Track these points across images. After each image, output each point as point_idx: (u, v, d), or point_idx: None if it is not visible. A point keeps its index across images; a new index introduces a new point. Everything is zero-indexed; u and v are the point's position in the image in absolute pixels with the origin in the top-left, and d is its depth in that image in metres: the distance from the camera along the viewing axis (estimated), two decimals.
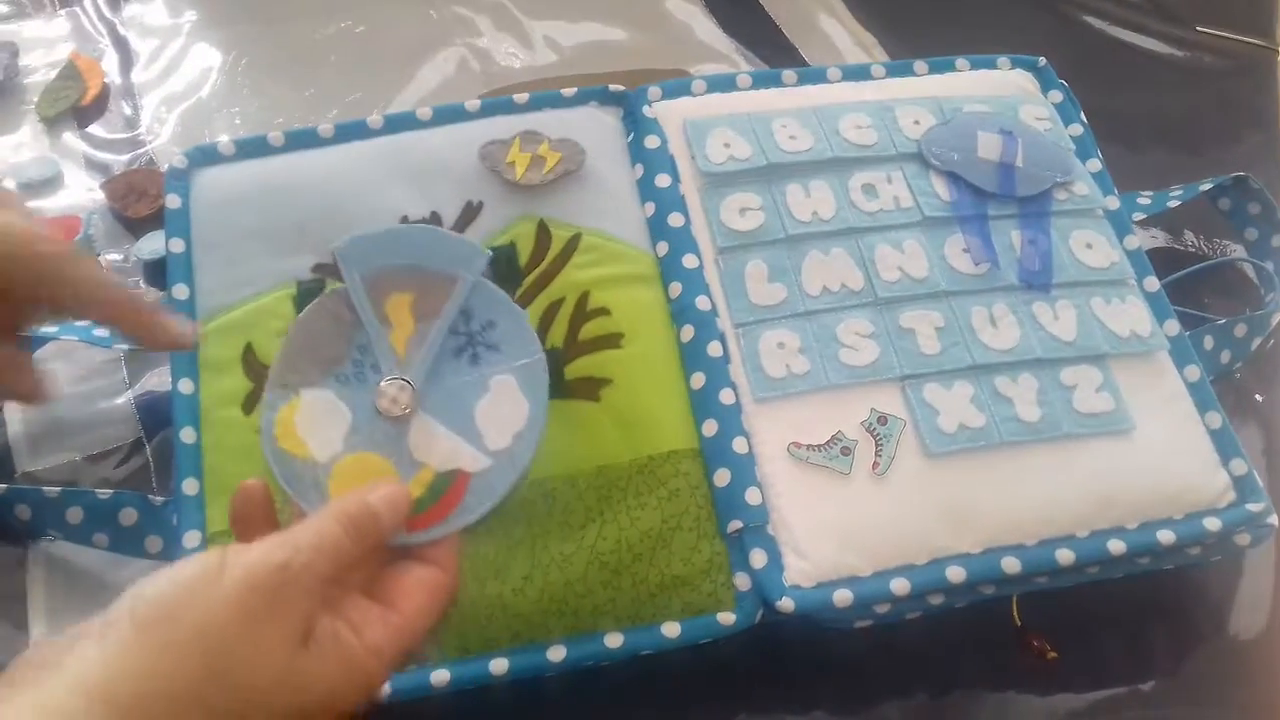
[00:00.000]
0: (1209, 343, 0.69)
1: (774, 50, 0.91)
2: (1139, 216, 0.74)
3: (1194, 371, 0.63)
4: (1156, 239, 0.80)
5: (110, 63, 0.85)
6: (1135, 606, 0.62)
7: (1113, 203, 0.68)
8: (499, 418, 0.47)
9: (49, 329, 0.64)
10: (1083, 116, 0.72)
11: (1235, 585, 0.65)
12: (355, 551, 0.42)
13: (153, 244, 0.71)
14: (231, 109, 0.83)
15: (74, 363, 0.67)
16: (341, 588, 0.42)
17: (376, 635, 0.41)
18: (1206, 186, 0.76)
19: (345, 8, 0.90)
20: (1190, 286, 0.76)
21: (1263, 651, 0.63)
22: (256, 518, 0.45)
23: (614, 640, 0.55)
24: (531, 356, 0.48)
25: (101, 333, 0.63)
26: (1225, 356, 0.70)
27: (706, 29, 0.92)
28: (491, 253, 0.50)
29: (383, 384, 0.47)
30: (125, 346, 0.63)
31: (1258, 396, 0.73)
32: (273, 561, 0.39)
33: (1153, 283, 0.66)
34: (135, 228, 0.75)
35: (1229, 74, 0.94)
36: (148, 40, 0.87)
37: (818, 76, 0.71)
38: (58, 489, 0.58)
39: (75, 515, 0.58)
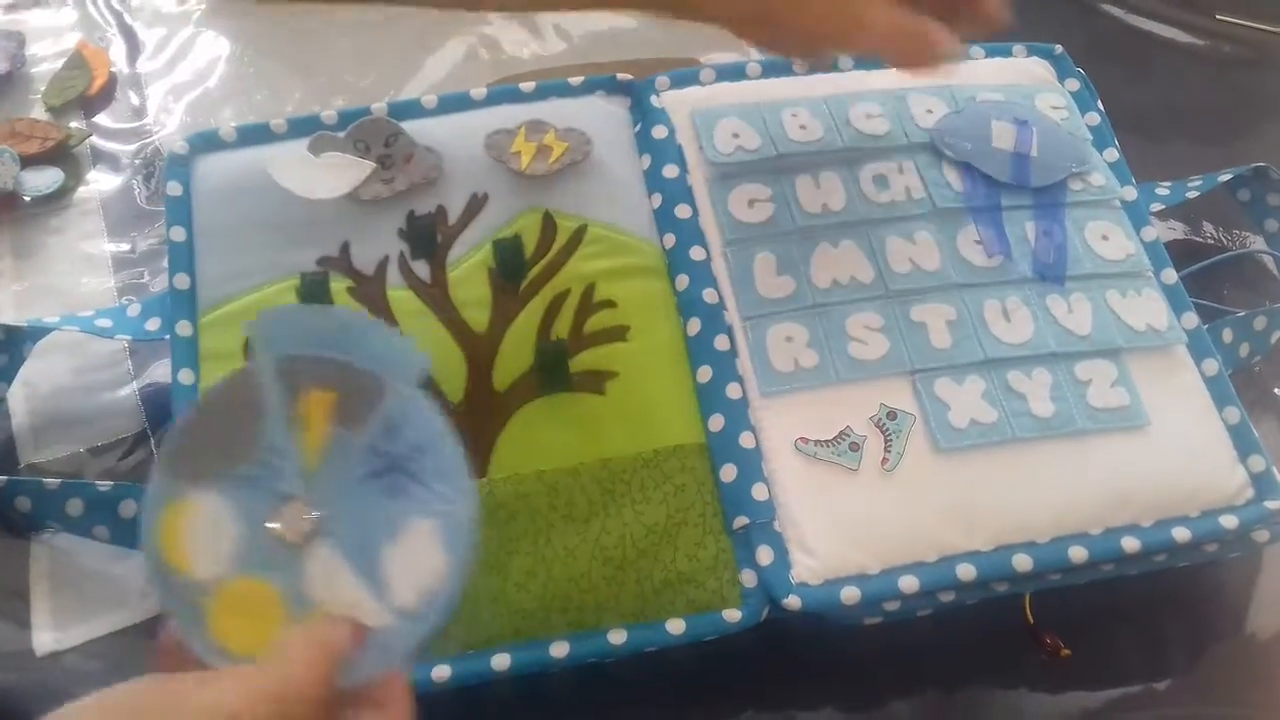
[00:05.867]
0: (1228, 336, 0.67)
1: None
2: (1157, 207, 0.73)
3: (1212, 365, 0.62)
4: (1175, 230, 0.79)
5: (117, 52, 0.84)
6: (1150, 603, 0.61)
7: (1130, 193, 0.66)
8: (410, 568, 0.40)
9: (50, 320, 0.63)
10: (1100, 105, 0.71)
11: (1253, 582, 0.64)
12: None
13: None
14: (239, 97, 0.82)
15: (77, 354, 0.67)
16: None
17: None
18: (1226, 177, 0.75)
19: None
20: (1209, 279, 0.74)
21: None
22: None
23: (618, 637, 0.54)
24: (457, 502, 0.41)
25: (104, 323, 0.63)
26: (1245, 350, 0.68)
27: None
28: (429, 364, 0.43)
29: (283, 505, 0.40)
30: (128, 337, 0.63)
31: (1277, 391, 0.71)
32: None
33: (1170, 275, 0.64)
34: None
35: (1249, 63, 0.92)
36: (155, 29, 0.86)
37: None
38: (58, 481, 0.58)
39: (76, 507, 0.58)
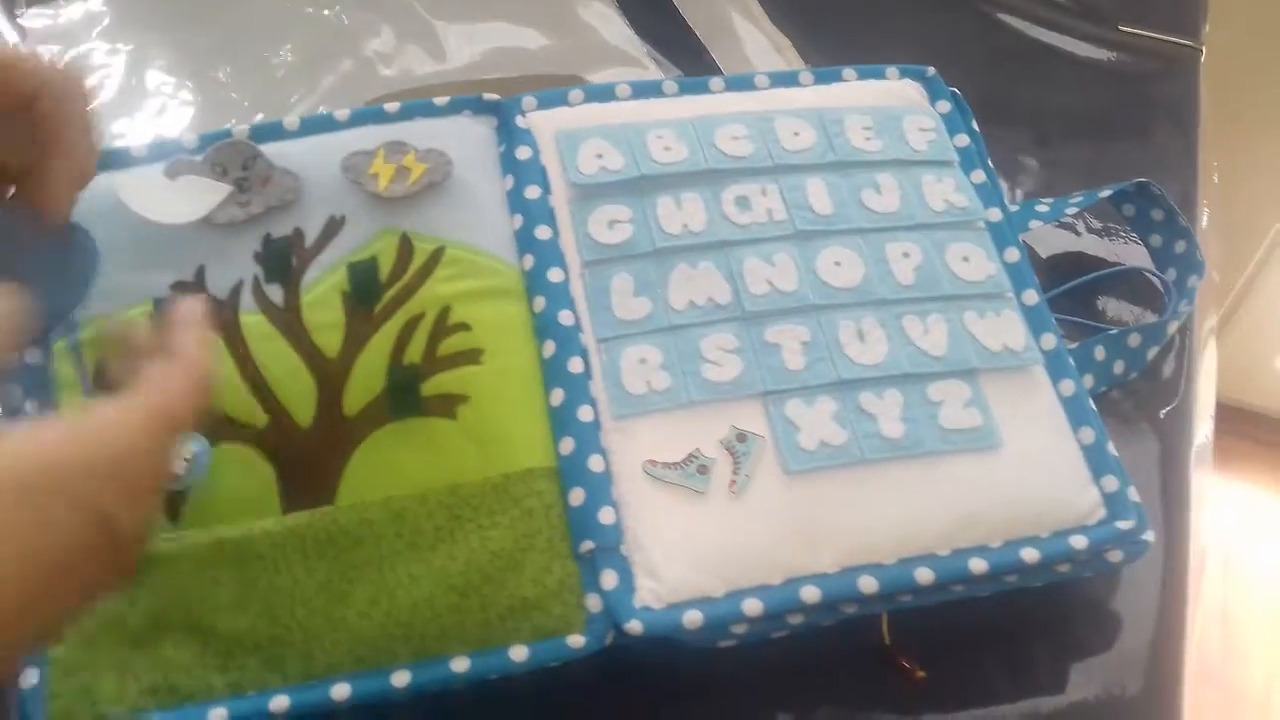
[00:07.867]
0: (1100, 354, 0.67)
1: (686, 53, 0.90)
2: (1036, 224, 0.73)
3: (1069, 386, 0.62)
4: (1059, 244, 0.78)
5: None
6: (1014, 621, 0.61)
7: (995, 214, 0.66)
8: None
9: None
10: (973, 126, 0.71)
11: (1119, 599, 0.63)
12: None
13: None
14: (131, 117, 0.82)
15: None
16: None
17: None
18: (1107, 193, 0.75)
19: (246, 17, 0.88)
20: (1090, 294, 0.74)
21: (1151, 665, 0.62)
22: None
23: (460, 665, 0.54)
24: None
25: None
26: (1119, 367, 0.69)
27: (620, 32, 0.91)
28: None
29: None
30: None
31: (1156, 408, 0.71)
32: None
33: (1031, 296, 0.64)
34: None
35: (1152, 75, 0.92)
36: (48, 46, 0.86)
37: (700, 87, 0.70)
38: None
39: None
